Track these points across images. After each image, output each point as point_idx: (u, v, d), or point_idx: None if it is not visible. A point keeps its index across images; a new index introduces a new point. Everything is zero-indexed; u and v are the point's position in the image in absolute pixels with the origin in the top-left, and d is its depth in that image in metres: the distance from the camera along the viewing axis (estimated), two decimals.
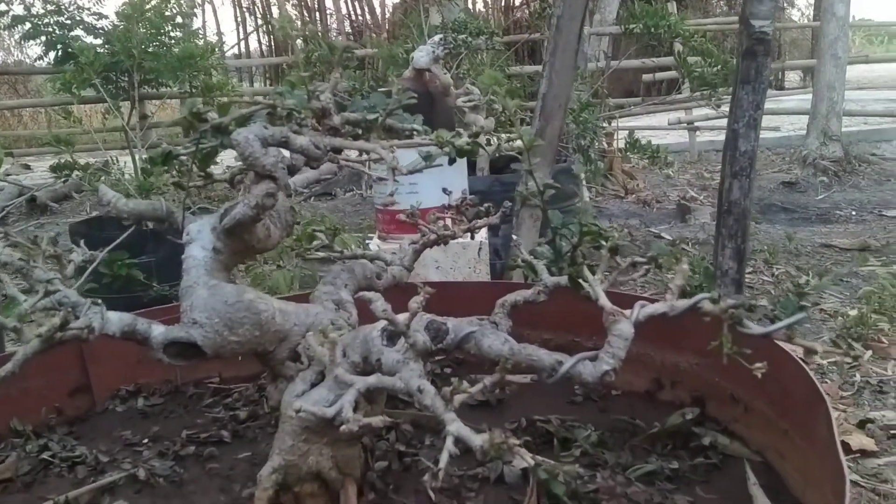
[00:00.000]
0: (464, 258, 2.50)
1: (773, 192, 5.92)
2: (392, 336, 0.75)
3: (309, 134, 0.81)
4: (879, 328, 2.91)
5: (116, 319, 0.79)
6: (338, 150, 0.84)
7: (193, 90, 5.73)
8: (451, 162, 0.80)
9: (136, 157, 4.62)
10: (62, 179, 4.43)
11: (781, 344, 0.78)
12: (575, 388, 1.12)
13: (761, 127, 1.61)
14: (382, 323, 0.80)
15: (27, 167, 7.84)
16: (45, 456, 1.03)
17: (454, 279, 2.49)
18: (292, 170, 0.90)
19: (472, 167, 3.86)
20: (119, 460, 1.01)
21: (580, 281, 0.79)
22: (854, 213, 5.24)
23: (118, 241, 1.35)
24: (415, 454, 0.96)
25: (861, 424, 2.30)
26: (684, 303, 0.74)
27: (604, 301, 0.74)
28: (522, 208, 1.48)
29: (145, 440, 1.08)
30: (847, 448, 2.12)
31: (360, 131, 0.84)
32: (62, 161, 3.55)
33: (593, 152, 4.62)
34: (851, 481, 1.98)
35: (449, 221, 1.05)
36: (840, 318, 3.20)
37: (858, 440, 2.19)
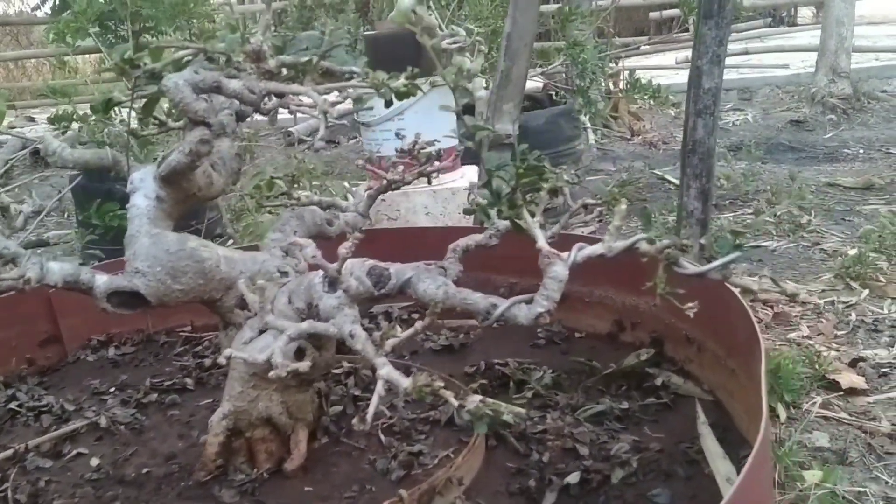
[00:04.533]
0: (453, 203, 2.48)
1: (780, 130, 5.82)
2: (333, 283, 0.75)
3: (243, 77, 0.79)
4: (878, 267, 2.89)
5: (57, 269, 0.78)
6: (279, 95, 0.82)
7: (193, 37, 5.65)
8: (388, 105, 0.78)
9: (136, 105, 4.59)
10: (61, 131, 4.42)
11: (729, 285, 0.77)
12: (538, 332, 1.11)
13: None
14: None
15: (31, 119, 7.82)
16: (12, 406, 1.04)
17: (443, 224, 2.48)
18: (241, 115, 0.89)
19: (470, 111, 3.81)
20: (84, 409, 1.03)
21: (520, 223, 0.78)
22: (861, 151, 5.16)
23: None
24: (370, 398, 0.97)
25: (853, 363, 2.30)
26: (621, 244, 0.73)
27: (541, 243, 0.73)
28: (491, 151, 1.46)
29: (112, 389, 1.09)
30: (837, 386, 2.13)
31: (298, 74, 0.82)
32: (60, 112, 3.54)
33: (595, 93, 4.55)
34: (838, 419, 1.98)
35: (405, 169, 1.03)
36: (840, 257, 3.17)
37: (849, 379, 2.19)
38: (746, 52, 6.93)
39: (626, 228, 3.02)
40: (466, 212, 0.99)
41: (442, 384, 0.61)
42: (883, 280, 2.80)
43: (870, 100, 5.90)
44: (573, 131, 3.83)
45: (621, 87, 5.94)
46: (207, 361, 1.13)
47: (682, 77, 7.53)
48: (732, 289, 0.76)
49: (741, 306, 0.83)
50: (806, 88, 6.12)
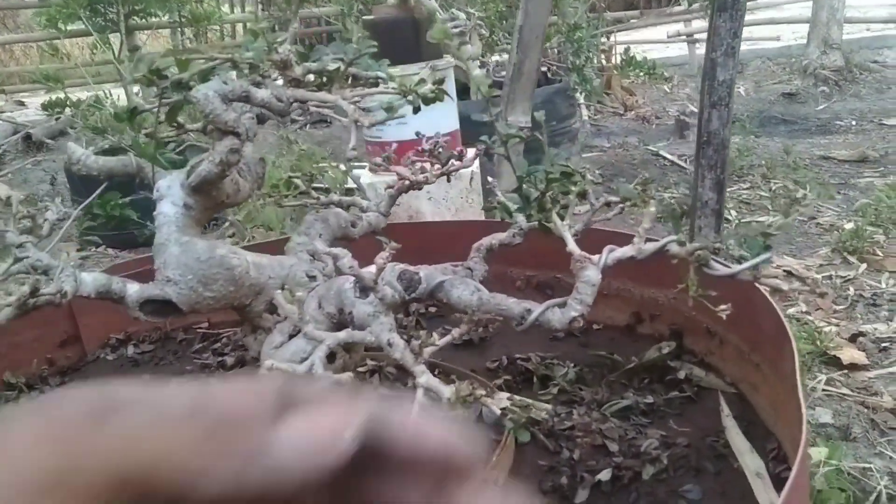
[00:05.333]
0: (456, 188, 2.49)
1: (772, 103, 5.84)
2: (364, 288, 0.76)
3: (271, 86, 0.80)
4: (875, 241, 2.92)
5: (90, 281, 0.79)
6: (301, 101, 0.83)
7: (183, 19, 5.60)
8: (416, 111, 0.79)
9: (129, 89, 4.56)
10: (54, 117, 4.38)
11: (759, 285, 0.79)
12: None
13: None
14: None
15: (21, 104, 7.74)
16: None
17: (446, 209, 2.49)
18: (261, 119, 0.89)
19: (466, 91, 3.81)
20: None
21: (549, 226, 0.79)
22: (854, 122, 5.18)
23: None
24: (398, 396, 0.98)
25: (853, 338, 2.33)
26: (652, 246, 0.74)
27: (572, 247, 0.74)
28: (503, 145, 1.46)
29: None
30: (838, 362, 2.16)
31: (323, 80, 0.82)
32: (53, 98, 3.51)
33: (589, 70, 4.54)
34: (840, 395, 2.02)
35: (428, 165, 1.04)
36: (836, 231, 3.20)
37: (849, 354, 2.23)
38: None
39: (631, 214, 3.05)
40: (486, 209, 1.00)
41: (483, 392, 0.62)
42: (880, 254, 2.84)
43: (862, 71, 5.92)
44: (569, 109, 3.83)
45: (614, 62, 5.93)
46: (229, 360, 1.14)
47: (673, 51, 7.52)
48: (759, 287, 0.78)
49: (767, 303, 0.84)
50: (798, 60, 6.14)
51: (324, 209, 0.97)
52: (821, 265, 2.87)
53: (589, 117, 5.45)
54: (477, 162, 2.54)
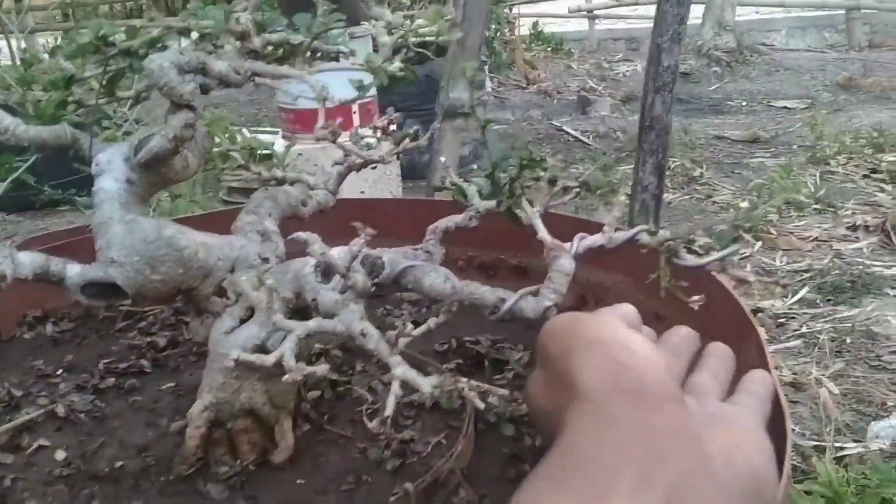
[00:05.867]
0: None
1: None
2: (326, 272, 0.73)
3: (228, 58, 0.75)
4: (769, 219, 3.08)
5: (28, 262, 0.73)
6: (260, 75, 0.78)
7: None
8: (382, 89, 0.76)
9: (13, 42, 4.24)
10: None
11: (721, 276, 0.81)
12: None
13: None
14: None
15: None
16: None
17: (363, 181, 2.46)
18: (205, 89, 0.84)
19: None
20: (34, 394, 0.96)
21: (517, 212, 0.78)
22: (745, 103, 5.43)
23: None
24: (347, 381, 0.96)
25: (752, 314, 2.45)
26: (622, 235, 0.74)
27: (543, 234, 0.74)
28: (444, 121, 1.44)
29: (60, 371, 1.03)
30: None
31: (279, 52, 0.78)
32: None
33: (497, 42, 4.55)
34: None
35: (375, 141, 1.01)
36: (732, 210, 3.36)
37: None
38: (637, 3, 7.09)
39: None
40: (436, 189, 0.98)
41: (464, 384, 0.61)
42: (774, 232, 3.00)
43: (752, 53, 6.20)
44: (478, 81, 3.83)
45: (518, 35, 5.97)
46: (161, 341, 1.08)
47: (573, 26, 7.62)
48: (715, 276, 0.79)
49: (726, 293, 0.86)
50: (692, 41, 6.35)
51: (272, 186, 0.92)
52: (717, 243, 3.00)
53: (493, 90, 5.47)
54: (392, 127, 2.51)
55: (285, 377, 0.64)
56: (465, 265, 1.21)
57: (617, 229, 0.75)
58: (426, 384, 0.63)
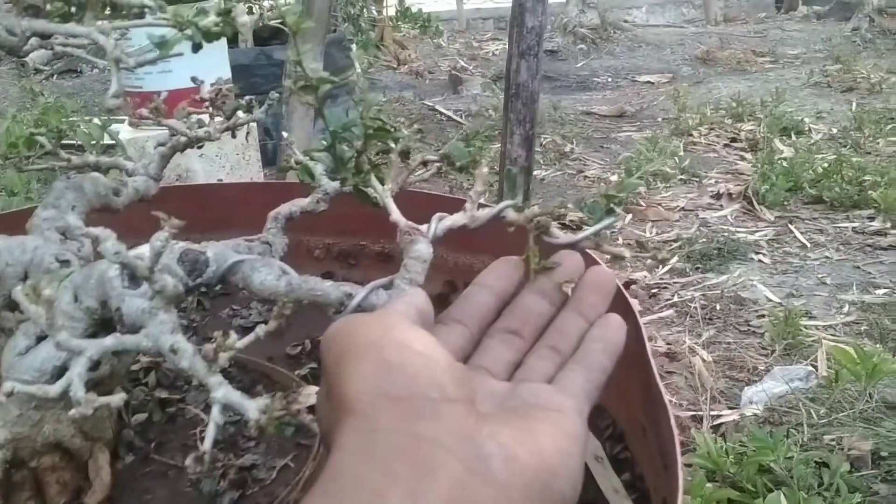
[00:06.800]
0: (230, 143, 2.28)
1: None
2: (135, 276, 0.59)
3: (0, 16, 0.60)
4: (637, 192, 3.11)
5: None
6: (43, 36, 0.63)
7: None
8: (196, 48, 0.63)
9: None
10: None
11: (596, 252, 0.72)
12: None
13: None
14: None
15: None
16: None
17: (220, 167, 2.28)
18: (13, 50, 0.68)
19: (233, 37, 3.52)
20: None
21: (366, 191, 0.67)
22: (610, 79, 5.52)
23: None
24: (180, 399, 0.82)
25: (625, 286, 2.45)
26: (485, 213, 0.64)
27: (396, 216, 0.63)
28: (293, 96, 1.31)
29: None
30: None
31: (71, 9, 0.63)
32: None
33: (364, 21, 4.41)
34: None
35: (207, 118, 0.87)
36: (602, 183, 3.38)
37: None
38: None
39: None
40: (281, 170, 0.86)
41: (300, 405, 0.50)
42: (643, 204, 3.03)
43: (615, 30, 6.32)
44: (345, 61, 3.68)
45: (386, 13, 5.84)
46: None
47: (442, 5, 7.56)
48: (590, 253, 0.71)
49: (601, 268, 0.79)
50: (559, 18, 6.42)
51: (78, 173, 0.77)
52: (590, 217, 3.01)
53: (363, 70, 5.34)
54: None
55: (71, 412, 0.51)
56: (322, 254, 1.09)
57: (481, 206, 0.65)
58: (253, 408, 0.51)
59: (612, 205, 0.65)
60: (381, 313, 0.52)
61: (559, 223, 0.63)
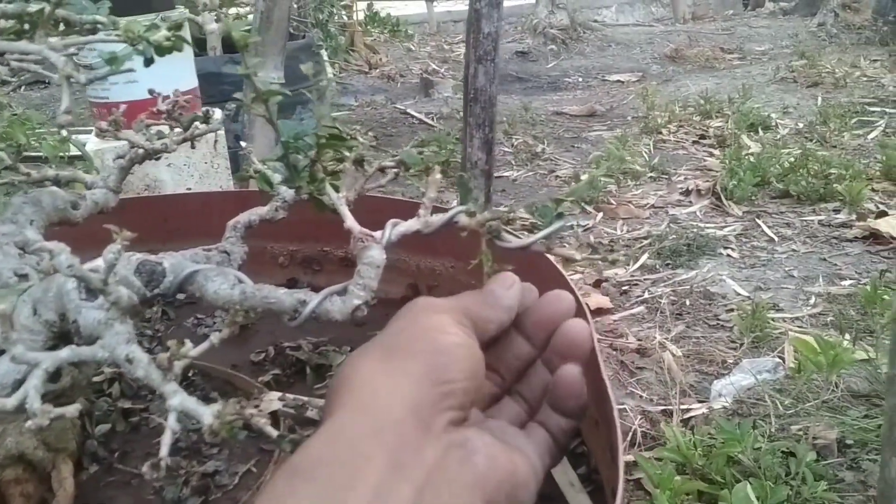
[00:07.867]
0: (198, 153, 2.27)
1: (508, 62, 6.09)
2: (92, 289, 0.60)
3: None
4: (608, 191, 3.14)
5: None
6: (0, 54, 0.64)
7: None
8: (147, 63, 0.64)
9: None
10: None
11: (550, 255, 0.74)
12: None
13: None
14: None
15: None
16: None
17: (189, 176, 2.27)
18: None
19: (202, 45, 3.52)
20: None
21: (322, 199, 0.68)
22: (581, 79, 5.56)
23: None
24: (143, 409, 0.83)
25: (597, 284, 2.48)
26: (439, 218, 0.66)
27: (351, 223, 0.64)
28: (254, 103, 1.31)
29: None
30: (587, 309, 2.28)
31: (24, 26, 0.64)
32: None
33: (333, 26, 4.41)
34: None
35: (167, 129, 0.88)
36: (573, 182, 3.41)
37: (596, 300, 2.36)
38: None
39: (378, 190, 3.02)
40: (240, 179, 0.87)
41: (254, 410, 0.51)
42: (614, 202, 3.05)
43: (585, 30, 6.37)
44: (315, 66, 3.68)
45: (356, 18, 5.85)
46: None
47: (412, 9, 7.58)
48: (550, 257, 0.73)
49: (556, 273, 0.80)
50: (529, 20, 6.45)
51: (38, 187, 0.78)
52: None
53: (334, 75, 5.34)
54: (220, 119, 2.34)
55: (28, 423, 0.51)
56: (286, 261, 1.09)
57: (435, 211, 0.66)
58: (207, 414, 0.52)
59: (560, 210, 0.66)
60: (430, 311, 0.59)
61: (522, 226, 0.64)
